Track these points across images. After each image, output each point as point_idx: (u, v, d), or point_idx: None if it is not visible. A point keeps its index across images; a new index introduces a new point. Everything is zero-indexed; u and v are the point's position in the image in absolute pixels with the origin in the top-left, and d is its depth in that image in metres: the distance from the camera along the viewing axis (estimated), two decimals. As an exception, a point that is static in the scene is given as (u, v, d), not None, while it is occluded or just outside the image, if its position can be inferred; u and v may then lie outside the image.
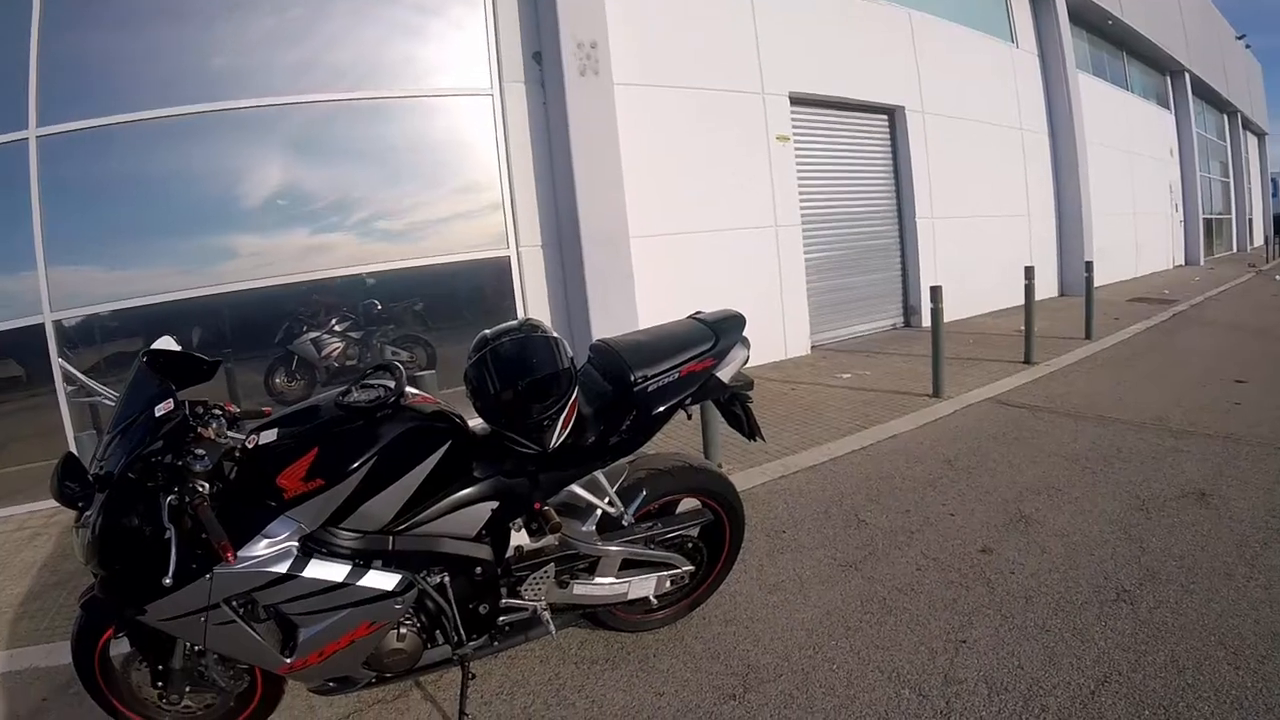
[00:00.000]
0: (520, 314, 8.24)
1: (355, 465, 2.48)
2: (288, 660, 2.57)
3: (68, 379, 6.57)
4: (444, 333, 8.16)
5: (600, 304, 7.99)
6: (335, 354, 7.80)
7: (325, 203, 7.74)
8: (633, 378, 2.91)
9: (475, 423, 2.91)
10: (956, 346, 7.74)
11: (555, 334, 2.85)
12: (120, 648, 2.79)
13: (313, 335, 7.70)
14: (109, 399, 3.05)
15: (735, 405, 3.25)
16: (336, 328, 7.80)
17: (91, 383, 3.19)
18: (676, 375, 3.01)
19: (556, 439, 2.79)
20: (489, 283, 8.33)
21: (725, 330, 3.20)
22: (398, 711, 3.14)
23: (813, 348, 10.77)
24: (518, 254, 8.27)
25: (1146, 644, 3.17)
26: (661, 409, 2.98)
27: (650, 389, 2.94)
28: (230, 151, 7.41)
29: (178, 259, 7.26)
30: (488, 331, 2.87)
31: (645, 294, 8.34)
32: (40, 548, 5.81)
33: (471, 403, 2.82)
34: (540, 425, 2.73)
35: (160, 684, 2.74)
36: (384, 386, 2.65)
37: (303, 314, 7.67)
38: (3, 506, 6.85)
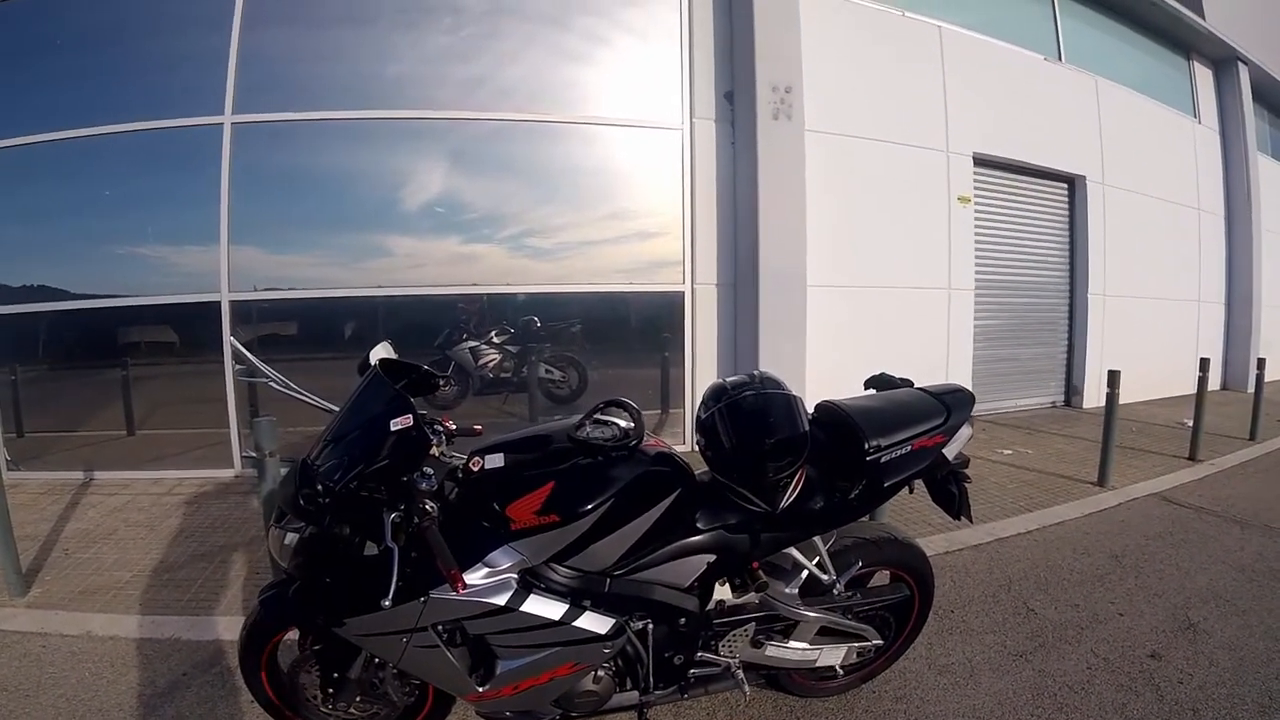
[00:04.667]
0: (688, 350, 8.29)
1: (592, 505, 2.43)
2: (480, 689, 2.53)
3: (237, 358, 6.74)
4: (600, 356, 8.21)
5: (771, 349, 7.89)
6: (491, 365, 7.90)
7: (499, 223, 7.93)
8: (867, 445, 2.80)
9: (698, 471, 2.83)
10: (1119, 434, 7.43)
11: (794, 392, 2.78)
12: (289, 647, 2.81)
13: (471, 344, 7.82)
14: (275, 382, 3.07)
15: (951, 483, 3.10)
16: (495, 339, 7.90)
17: (261, 364, 3.21)
18: (909, 448, 2.89)
19: (786, 500, 2.72)
20: (658, 314, 8.32)
21: (955, 406, 3.09)
22: (555, 746, 3.09)
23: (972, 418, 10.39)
24: (692, 290, 8.25)
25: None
26: (893, 481, 2.87)
27: (883, 460, 2.83)
28: (410, 157, 7.68)
29: (340, 251, 7.55)
30: (725, 382, 2.82)
31: (811, 344, 8.24)
32: (189, 516, 6.02)
33: (701, 452, 2.77)
34: (775, 485, 2.67)
35: (330, 690, 2.73)
36: (618, 425, 2.59)
37: (463, 322, 7.79)
38: (155, 469, 7.17)
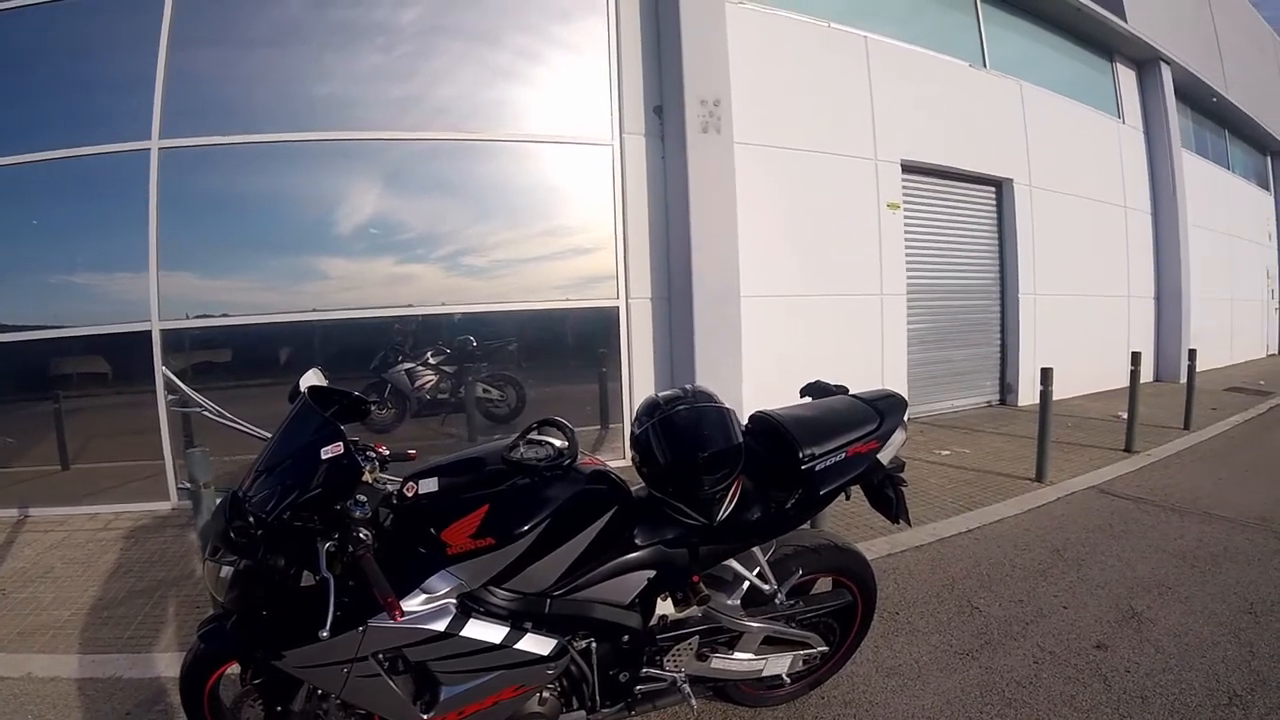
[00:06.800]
0: (625, 365, 8.26)
1: (528, 526, 2.43)
2: (425, 716, 2.49)
3: (169, 388, 6.60)
4: (538, 374, 8.17)
5: (707, 362, 7.90)
6: (428, 386, 7.83)
7: (434, 243, 7.85)
8: (802, 455, 2.83)
9: (635, 487, 2.84)
10: (1054, 429, 7.53)
11: (728, 405, 2.80)
12: (232, 681, 2.76)
13: (407, 366, 7.73)
14: (209, 411, 3.03)
15: (888, 487, 3.11)
16: (431, 360, 7.82)
17: (194, 394, 3.16)
18: (843, 455, 2.92)
19: (723, 512, 2.73)
20: (595, 330, 8.30)
21: (888, 411, 3.15)
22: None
23: (909, 420, 10.43)
24: (627, 305, 8.24)
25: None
26: (828, 489, 2.90)
27: (818, 468, 2.86)
28: (343, 178, 7.55)
29: (274, 275, 7.41)
30: (658, 397, 2.83)
31: (747, 354, 8.28)
32: (126, 551, 5.88)
33: (637, 468, 2.78)
34: (711, 498, 2.67)
35: None
36: (551, 444, 2.59)
37: (399, 344, 7.71)
38: (91, 503, 6.98)
